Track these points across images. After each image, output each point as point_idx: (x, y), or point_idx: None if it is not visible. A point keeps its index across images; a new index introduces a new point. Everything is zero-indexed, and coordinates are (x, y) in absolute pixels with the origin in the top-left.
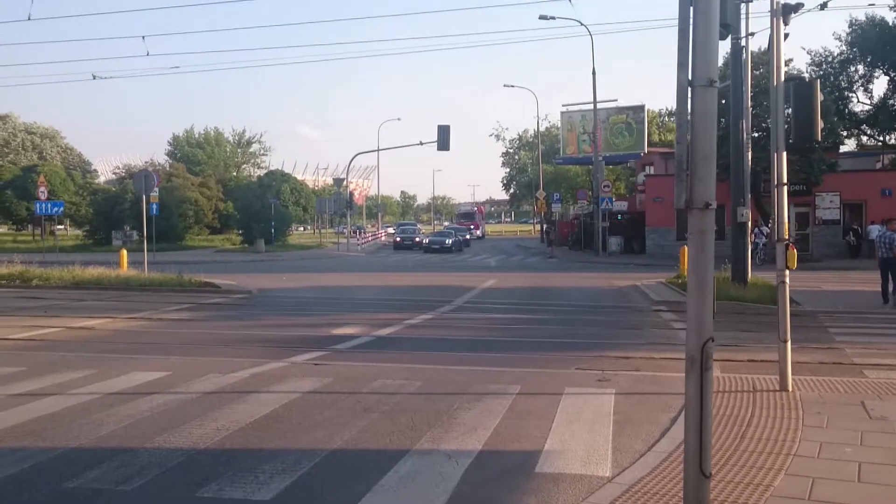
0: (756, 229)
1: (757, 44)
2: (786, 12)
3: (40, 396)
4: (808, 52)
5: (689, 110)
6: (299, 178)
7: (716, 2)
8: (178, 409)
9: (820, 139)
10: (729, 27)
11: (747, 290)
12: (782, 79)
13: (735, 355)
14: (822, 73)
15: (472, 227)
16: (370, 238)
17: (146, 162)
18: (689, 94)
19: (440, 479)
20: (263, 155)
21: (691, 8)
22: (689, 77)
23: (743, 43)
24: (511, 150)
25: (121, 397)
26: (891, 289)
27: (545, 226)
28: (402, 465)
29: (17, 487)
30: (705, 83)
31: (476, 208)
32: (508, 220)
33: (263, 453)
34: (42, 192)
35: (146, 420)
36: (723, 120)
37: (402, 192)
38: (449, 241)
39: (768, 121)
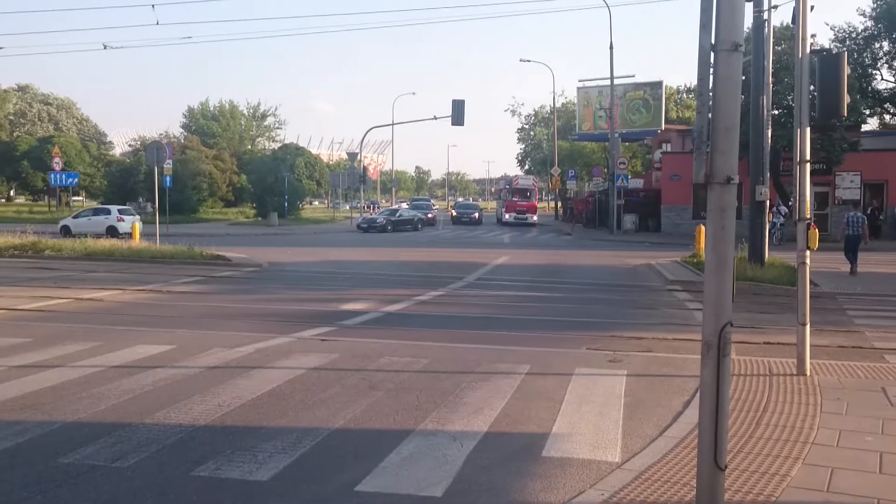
0: (774, 208)
1: (778, 19)
2: None
3: (43, 368)
4: (831, 28)
5: (712, 77)
6: (314, 152)
7: None
8: (181, 383)
9: (845, 115)
10: None
11: (764, 271)
12: (808, 51)
13: (751, 337)
14: (845, 49)
15: (526, 210)
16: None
17: (161, 134)
18: (712, 60)
19: (444, 462)
20: (278, 128)
21: None
22: (713, 41)
23: (765, 16)
24: (526, 126)
25: (123, 371)
26: None
27: (571, 202)
28: (406, 445)
29: (11, 462)
30: (729, 47)
31: (533, 183)
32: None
33: (264, 431)
34: (57, 164)
35: (147, 395)
36: (743, 96)
37: (417, 167)
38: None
39: (789, 98)
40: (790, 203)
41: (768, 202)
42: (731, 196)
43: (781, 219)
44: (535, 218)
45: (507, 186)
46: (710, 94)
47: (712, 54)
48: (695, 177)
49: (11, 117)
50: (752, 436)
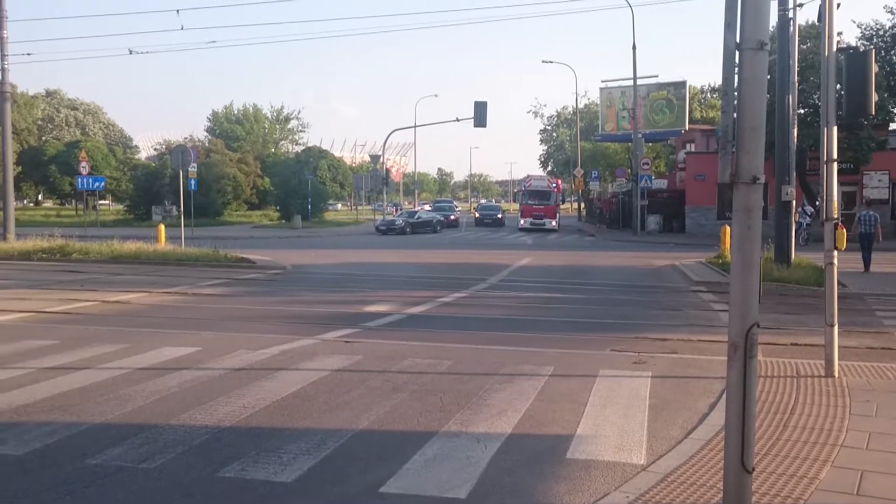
0: (800, 208)
1: (803, 17)
2: None
3: (71, 370)
4: (858, 26)
5: (737, 76)
6: (336, 154)
7: None
8: (206, 385)
9: (873, 113)
10: None
11: (791, 271)
12: (834, 49)
13: (777, 339)
14: (872, 46)
15: (544, 215)
16: None
17: (185, 138)
18: (737, 59)
19: (467, 464)
20: (301, 131)
21: None
22: (738, 39)
23: (790, 14)
24: (549, 128)
25: (150, 372)
26: None
27: (596, 204)
28: (429, 447)
29: (42, 463)
30: (755, 46)
31: (553, 185)
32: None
33: (288, 433)
34: (83, 168)
35: (173, 396)
36: (768, 95)
37: (439, 169)
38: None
39: (815, 97)
40: (817, 203)
41: (794, 202)
42: (757, 196)
43: (808, 219)
44: (554, 223)
45: (523, 189)
46: (736, 93)
47: (737, 53)
48: (720, 177)
49: (39, 122)
50: (779, 438)
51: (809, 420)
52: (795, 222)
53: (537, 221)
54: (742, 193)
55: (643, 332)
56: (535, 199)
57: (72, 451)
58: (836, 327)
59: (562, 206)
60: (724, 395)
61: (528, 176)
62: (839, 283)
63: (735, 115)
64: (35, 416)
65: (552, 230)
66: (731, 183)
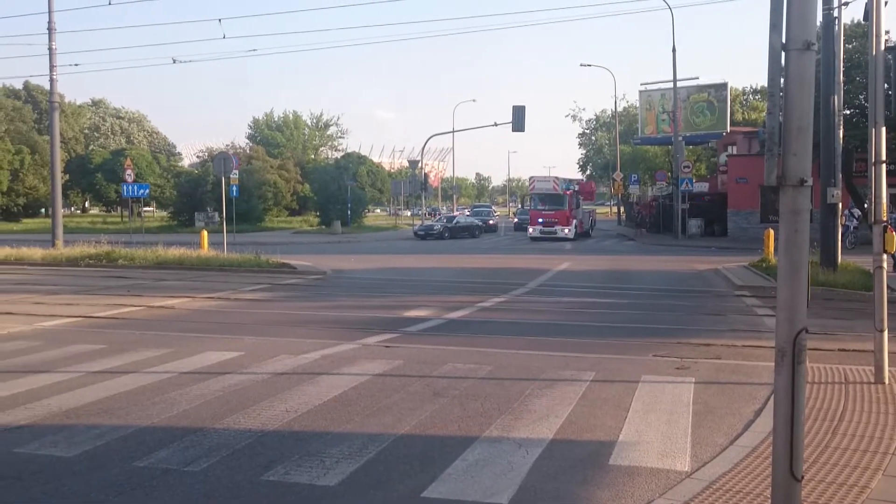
0: (846, 211)
1: (849, 16)
2: None
3: (118, 374)
4: None
5: (783, 77)
6: (375, 160)
7: None
8: (249, 389)
9: None
10: None
11: (837, 275)
12: (882, 48)
13: (824, 344)
14: None
15: (555, 222)
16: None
17: (227, 145)
18: (783, 60)
19: (509, 469)
20: (340, 137)
21: None
22: (783, 40)
23: (836, 13)
24: (587, 131)
25: (194, 376)
26: None
27: (636, 208)
28: (471, 452)
29: (90, 465)
30: (801, 46)
31: (569, 185)
32: (592, 200)
33: (330, 437)
34: (129, 175)
35: (217, 400)
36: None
37: (477, 173)
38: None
39: (861, 97)
40: (865, 205)
41: (840, 205)
42: (804, 199)
43: (854, 222)
44: (567, 231)
45: (529, 192)
46: (781, 94)
47: (783, 54)
48: (766, 179)
49: (86, 131)
50: (828, 445)
51: (859, 427)
52: (842, 225)
53: (547, 230)
54: (789, 196)
55: (686, 337)
56: (544, 203)
57: (119, 454)
58: (885, 332)
59: (600, 211)
60: (770, 402)
61: (532, 178)
62: (889, 287)
63: (781, 116)
64: (84, 418)
65: (566, 239)
66: (777, 185)
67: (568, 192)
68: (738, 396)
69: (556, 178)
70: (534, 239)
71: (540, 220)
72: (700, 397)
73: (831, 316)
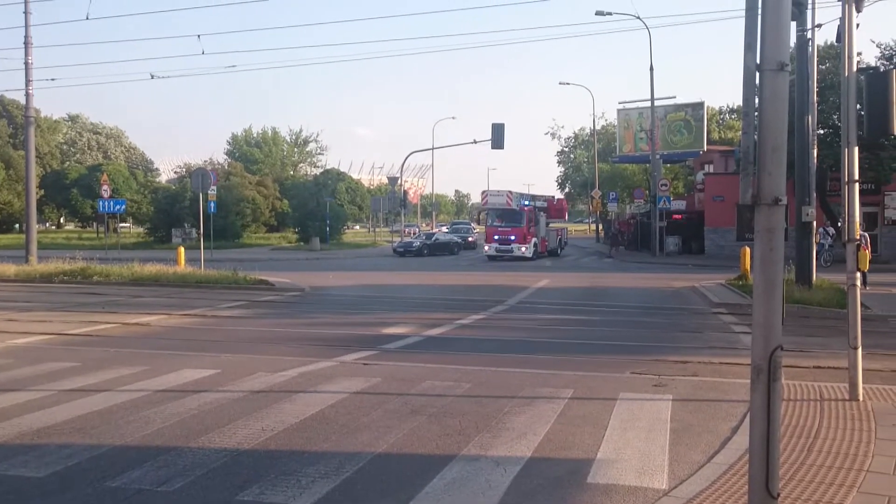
0: (821, 229)
1: (822, 38)
2: None
3: (91, 392)
4: (877, 45)
5: (757, 97)
6: (355, 177)
7: None
8: (225, 407)
9: (895, 133)
10: (802, 6)
11: (812, 293)
12: (854, 69)
13: (800, 361)
14: (893, 66)
15: (511, 239)
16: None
17: (205, 161)
18: (758, 80)
19: (487, 488)
20: (320, 154)
21: None
22: (758, 61)
23: (809, 35)
24: (566, 149)
25: (169, 395)
26: None
27: (616, 225)
28: (449, 471)
29: (62, 485)
30: (775, 67)
31: (530, 203)
32: (563, 219)
33: (307, 456)
34: (105, 191)
35: (193, 418)
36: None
37: (457, 190)
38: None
39: (835, 117)
40: (839, 223)
41: (815, 223)
42: (779, 217)
43: (829, 240)
44: (524, 249)
45: (485, 209)
46: (756, 114)
47: (757, 74)
48: (741, 198)
49: (62, 146)
50: (803, 463)
51: (834, 444)
52: (816, 243)
53: (503, 247)
54: (764, 215)
55: (663, 354)
56: (500, 220)
57: (92, 474)
58: (860, 350)
59: (578, 228)
60: (747, 419)
61: (485, 192)
62: (862, 304)
63: (756, 135)
64: (56, 438)
65: (523, 258)
66: (752, 204)
67: (526, 209)
68: (716, 414)
69: (510, 192)
70: (491, 258)
71: (496, 237)
72: (678, 415)
73: (806, 333)
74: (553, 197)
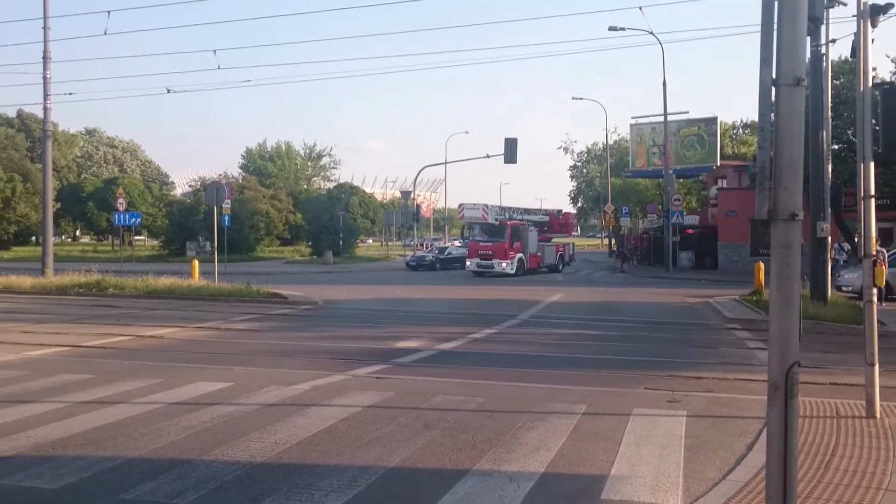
0: (835, 245)
1: (836, 53)
2: (874, 13)
3: (106, 404)
4: (892, 60)
5: (773, 112)
6: (368, 190)
7: None
8: (239, 420)
9: None
10: (818, 21)
11: (827, 309)
12: (870, 84)
13: (816, 378)
14: None
15: (491, 255)
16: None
17: (220, 175)
18: (774, 95)
19: (500, 503)
20: (333, 168)
21: (775, 1)
22: (774, 76)
23: (823, 50)
24: (579, 164)
25: (183, 407)
26: None
27: (631, 240)
28: (462, 486)
29: (76, 497)
30: (791, 82)
31: (514, 216)
32: (576, 233)
33: (320, 469)
34: (121, 204)
35: (206, 431)
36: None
37: None
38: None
39: (849, 132)
40: (855, 239)
41: (830, 238)
42: (795, 232)
43: (844, 255)
44: (505, 265)
45: (465, 223)
46: (772, 129)
47: (773, 89)
48: (757, 213)
49: (79, 160)
50: (820, 480)
51: (851, 462)
52: (831, 259)
53: (484, 263)
54: (780, 230)
55: (677, 370)
56: (483, 234)
57: (106, 486)
58: (876, 367)
59: (591, 243)
60: (763, 436)
61: (461, 205)
62: (879, 321)
63: (772, 150)
64: (70, 450)
65: (504, 274)
66: (768, 219)
67: (509, 223)
68: (731, 430)
69: (486, 205)
70: (475, 273)
71: (479, 252)
72: (692, 431)
73: (822, 350)
74: (558, 211)
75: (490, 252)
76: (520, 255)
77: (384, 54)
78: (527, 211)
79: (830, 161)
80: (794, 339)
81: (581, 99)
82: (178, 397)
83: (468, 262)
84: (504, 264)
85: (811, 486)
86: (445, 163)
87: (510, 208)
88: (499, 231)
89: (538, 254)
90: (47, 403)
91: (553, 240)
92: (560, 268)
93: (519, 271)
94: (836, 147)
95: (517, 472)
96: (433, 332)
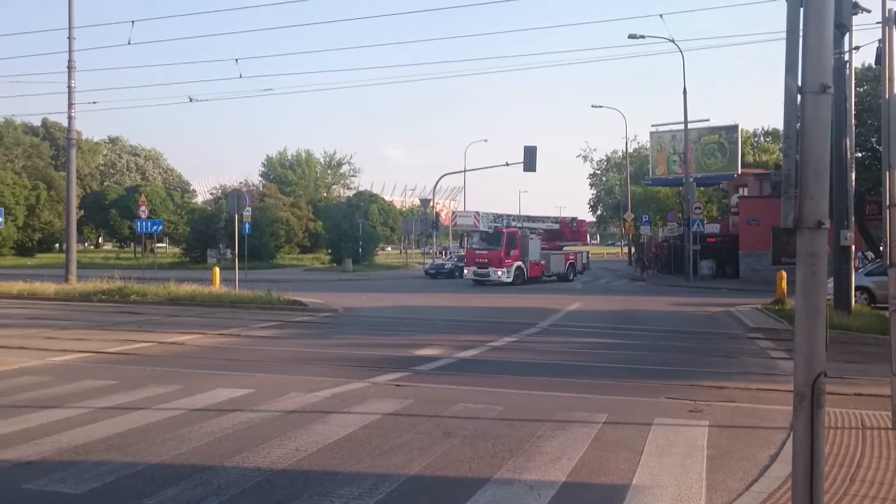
0: (859, 254)
1: (859, 60)
2: None
3: (128, 410)
4: None
5: (799, 120)
6: (387, 198)
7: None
8: (259, 427)
9: None
10: (844, 28)
11: (851, 319)
12: (895, 91)
13: (840, 388)
14: None
15: (487, 263)
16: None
17: (241, 182)
18: (799, 102)
19: None
20: (353, 176)
21: (801, 8)
22: (799, 83)
23: (847, 57)
24: (598, 172)
25: (205, 413)
26: None
27: (652, 249)
28: (482, 494)
29: (99, 502)
30: (817, 89)
31: (511, 224)
32: (595, 241)
33: (340, 477)
34: (143, 212)
35: (227, 437)
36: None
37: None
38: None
39: (873, 140)
40: (881, 248)
41: (853, 247)
42: (821, 241)
43: (868, 264)
44: (500, 273)
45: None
46: (797, 136)
47: (798, 97)
48: (783, 221)
49: (102, 168)
50: (846, 493)
51: (878, 474)
52: (855, 268)
53: (480, 271)
54: (806, 239)
55: (699, 379)
56: (480, 242)
57: (128, 492)
58: None
59: (610, 251)
60: (786, 447)
61: (454, 213)
62: None
63: (797, 158)
64: (93, 455)
65: (500, 283)
66: (794, 228)
67: (505, 230)
68: (754, 441)
69: (478, 213)
70: (475, 282)
71: (476, 260)
72: (714, 441)
73: (847, 360)
74: (572, 219)
75: (486, 260)
76: (518, 263)
77: (403, 63)
78: (531, 218)
79: (854, 169)
80: (821, 348)
81: (601, 107)
82: (199, 403)
83: (466, 271)
84: (500, 272)
85: (836, 497)
86: (465, 171)
87: (508, 216)
88: (495, 239)
89: (541, 262)
90: (71, 409)
91: (564, 248)
92: (571, 277)
93: (517, 280)
94: (859, 155)
95: (538, 481)
96: (452, 340)
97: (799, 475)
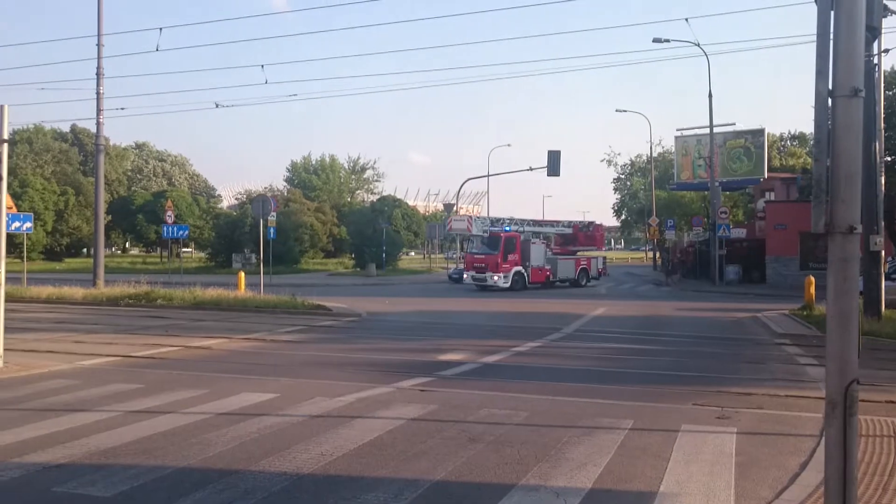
0: (889, 258)
1: (888, 63)
2: None
3: (155, 414)
4: None
5: (830, 124)
6: (410, 203)
7: (861, 1)
8: (285, 431)
9: None
10: (875, 31)
11: (882, 325)
12: None
13: (871, 395)
14: None
15: (485, 268)
16: None
17: (265, 188)
18: (830, 106)
19: None
20: (376, 181)
21: (832, 11)
22: (830, 87)
23: (876, 60)
24: (623, 176)
25: (230, 418)
26: None
27: (677, 254)
28: (508, 500)
29: None
30: (849, 93)
31: (510, 228)
32: (619, 246)
33: (366, 481)
34: (169, 217)
35: (253, 442)
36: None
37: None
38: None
39: None
40: None
41: (883, 252)
42: (853, 246)
43: None
44: (497, 278)
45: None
46: (828, 140)
47: (829, 100)
48: (814, 226)
49: (129, 173)
50: (878, 502)
51: None
52: (885, 273)
53: (478, 276)
54: (838, 244)
55: (726, 385)
56: (479, 246)
57: (156, 495)
58: None
59: (635, 256)
60: (817, 454)
61: (449, 218)
62: None
63: (829, 163)
64: (122, 458)
65: (497, 287)
66: (825, 233)
67: (503, 235)
68: (783, 448)
69: (471, 217)
70: (476, 287)
71: (474, 264)
72: (743, 448)
73: (878, 367)
74: (588, 223)
75: (483, 265)
76: (518, 268)
77: (427, 68)
78: (538, 223)
79: (883, 173)
80: (853, 355)
81: (625, 111)
82: (225, 408)
83: (465, 275)
84: (496, 277)
85: None
86: (488, 175)
87: (509, 219)
88: (493, 243)
89: (546, 267)
90: (99, 412)
91: (578, 253)
92: (583, 282)
93: (516, 285)
94: (888, 159)
95: (564, 488)
96: (476, 344)
97: (832, 484)
